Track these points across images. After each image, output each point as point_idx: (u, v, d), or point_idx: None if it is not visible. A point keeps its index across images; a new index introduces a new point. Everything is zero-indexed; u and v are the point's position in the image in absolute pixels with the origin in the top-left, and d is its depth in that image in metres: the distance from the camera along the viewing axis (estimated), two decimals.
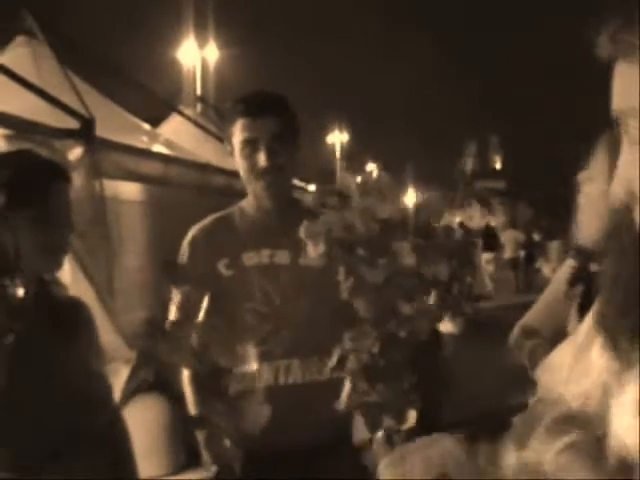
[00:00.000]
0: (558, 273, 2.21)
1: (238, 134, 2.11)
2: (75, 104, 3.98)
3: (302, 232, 1.97)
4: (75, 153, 3.71)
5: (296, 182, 8.14)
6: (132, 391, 2.95)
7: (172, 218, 3.99)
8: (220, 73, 17.23)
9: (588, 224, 1.69)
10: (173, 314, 2.14)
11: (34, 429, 1.63)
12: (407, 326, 1.44)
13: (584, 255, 1.86)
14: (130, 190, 4.75)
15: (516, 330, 2.18)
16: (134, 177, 4.57)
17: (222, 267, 2.12)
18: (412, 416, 1.30)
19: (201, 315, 2.10)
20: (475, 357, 5.98)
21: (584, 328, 1.07)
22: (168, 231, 2.69)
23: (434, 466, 1.09)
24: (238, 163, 2.14)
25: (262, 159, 2.08)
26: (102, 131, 3.96)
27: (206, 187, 5.56)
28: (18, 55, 4.52)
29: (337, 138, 35.98)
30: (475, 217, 18.81)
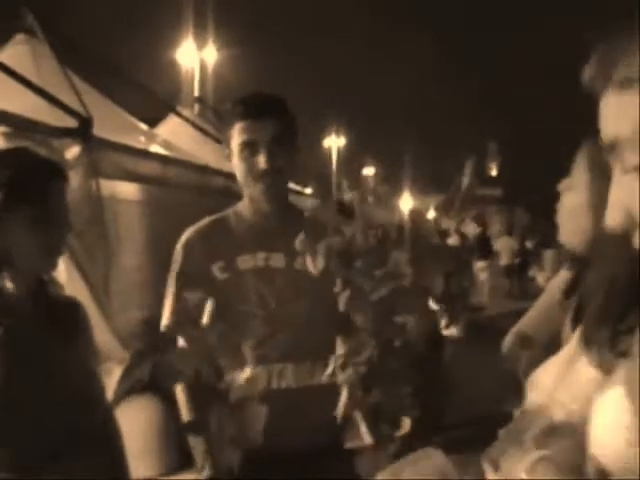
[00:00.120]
0: (552, 282, 2.22)
1: (237, 136, 2.09)
2: (74, 103, 3.98)
3: (299, 245, 1.98)
4: (73, 152, 3.71)
5: (292, 185, 8.13)
6: (126, 391, 2.94)
7: (170, 218, 3.99)
8: (219, 74, 17.23)
9: (569, 227, 1.69)
10: (167, 317, 2.14)
11: (33, 429, 1.63)
12: (404, 335, 1.45)
13: (579, 266, 1.87)
14: (128, 190, 4.75)
15: (511, 338, 2.18)
16: (132, 177, 4.57)
17: (217, 270, 2.10)
18: (407, 423, 1.32)
19: (204, 318, 2.09)
20: (473, 361, 5.99)
21: (573, 341, 1.08)
22: (166, 231, 2.68)
23: None
24: (236, 165, 2.12)
25: (261, 162, 2.06)
26: (100, 130, 3.96)
27: (204, 188, 5.56)
28: (17, 53, 4.53)
29: (334, 142, 35.99)
30: (471, 225, 18.81)
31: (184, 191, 5.24)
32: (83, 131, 3.78)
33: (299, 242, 1.96)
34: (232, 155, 2.13)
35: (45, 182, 1.71)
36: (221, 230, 2.17)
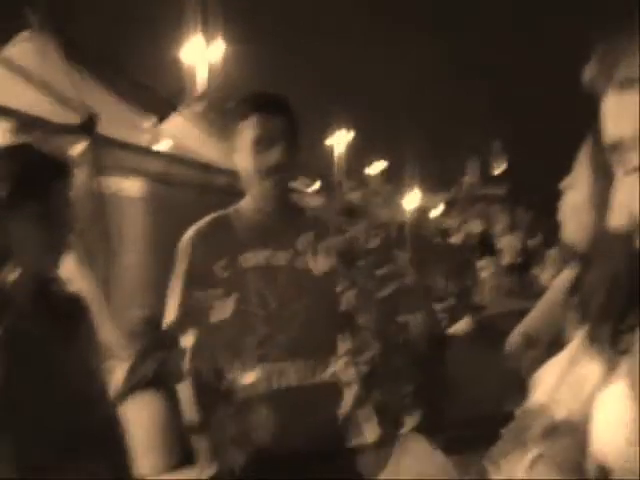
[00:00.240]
0: (556, 281, 2.22)
1: (249, 130, 2.07)
2: (78, 100, 3.98)
3: (302, 244, 1.98)
4: (77, 149, 3.72)
5: (295, 184, 8.13)
6: (130, 388, 2.95)
7: (173, 216, 3.99)
8: (223, 72, 17.22)
9: (571, 225, 1.70)
10: (171, 315, 2.14)
11: (34, 428, 1.62)
12: (407, 334, 1.45)
13: (583, 264, 1.87)
14: (131, 187, 4.75)
15: (516, 338, 2.18)
16: (136, 174, 4.58)
17: (219, 269, 2.10)
18: (409, 421, 1.32)
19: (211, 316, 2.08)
20: (474, 360, 5.98)
21: (576, 340, 1.09)
22: (169, 229, 2.69)
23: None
24: (244, 161, 2.09)
25: (274, 156, 2.05)
26: (104, 127, 3.96)
27: (207, 186, 5.56)
28: (23, 50, 4.53)
29: (337, 140, 35.95)
30: (476, 223, 18.78)
31: (187, 188, 5.24)
32: (87, 128, 3.79)
33: (303, 242, 1.96)
34: (240, 150, 2.11)
35: (50, 178, 1.70)
36: (223, 228, 2.17)
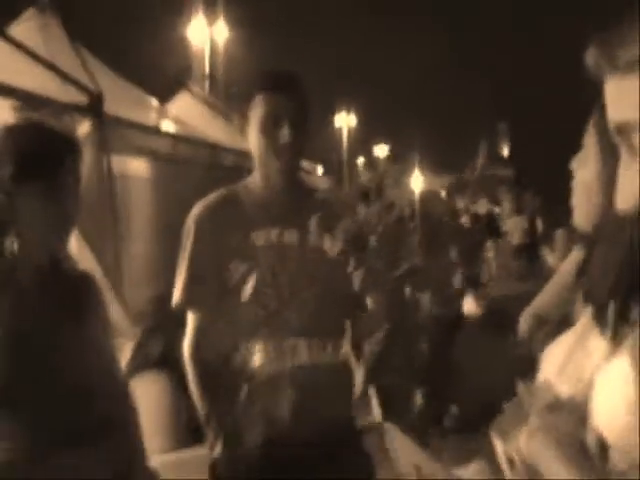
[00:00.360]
0: (565, 263, 2.21)
1: (259, 108, 2.04)
2: (84, 79, 3.96)
3: (313, 225, 1.96)
4: (83, 128, 3.71)
5: (303, 164, 8.15)
6: (135, 367, 2.95)
7: (180, 195, 3.98)
8: (229, 51, 17.16)
9: (582, 209, 1.68)
10: (179, 293, 2.13)
11: (43, 408, 1.61)
12: (417, 315, 1.44)
13: (592, 245, 1.86)
14: (138, 167, 4.74)
15: (527, 319, 2.17)
16: (142, 153, 4.57)
17: (230, 245, 2.07)
18: (419, 400, 1.32)
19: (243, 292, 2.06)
20: (481, 342, 5.99)
21: (583, 319, 1.10)
22: (176, 208, 2.68)
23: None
24: (254, 139, 2.06)
25: (285, 134, 2.02)
26: (111, 107, 3.95)
27: (214, 165, 5.55)
28: (28, 28, 4.50)
29: (344, 120, 35.88)
30: (482, 203, 18.74)
31: (194, 168, 5.23)
32: (94, 107, 3.78)
33: (314, 223, 1.95)
34: (249, 129, 2.08)
35: (59, 156, 1.69)
36: (232, 205, 2.13)
